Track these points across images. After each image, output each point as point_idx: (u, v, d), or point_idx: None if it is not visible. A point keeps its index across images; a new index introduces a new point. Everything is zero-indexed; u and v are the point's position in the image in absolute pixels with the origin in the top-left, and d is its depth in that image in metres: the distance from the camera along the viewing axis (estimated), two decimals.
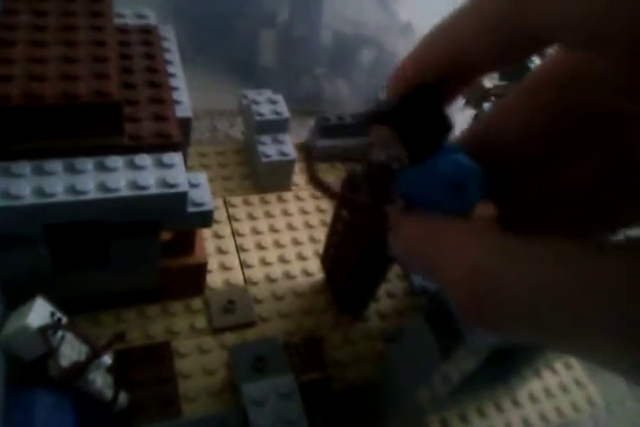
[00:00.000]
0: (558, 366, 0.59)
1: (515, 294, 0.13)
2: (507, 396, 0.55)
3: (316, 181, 0.21)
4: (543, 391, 0.57)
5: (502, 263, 0.14)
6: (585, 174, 0.16)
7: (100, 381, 0.41)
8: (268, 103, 0.63)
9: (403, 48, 0.93)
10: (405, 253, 0.16)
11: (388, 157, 0.17)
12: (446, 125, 0.16)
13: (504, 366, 0.50)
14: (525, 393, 0.56)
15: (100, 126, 0.40)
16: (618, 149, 0.16)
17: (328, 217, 0.63)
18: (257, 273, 0.57)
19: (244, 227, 0.61)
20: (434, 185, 0.16)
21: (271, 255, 0.59)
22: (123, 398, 0.43)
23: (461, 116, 0.68)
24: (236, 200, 0.64)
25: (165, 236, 0.47)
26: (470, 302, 0.14)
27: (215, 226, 0.59)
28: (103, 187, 0.39)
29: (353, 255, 0.49)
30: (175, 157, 0.42)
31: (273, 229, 0.62)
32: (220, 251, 0.59)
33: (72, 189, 0.38)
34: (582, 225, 0.17)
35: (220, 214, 0.61)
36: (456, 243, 0.15)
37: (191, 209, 0.44)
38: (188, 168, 0.48)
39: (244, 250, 0.59)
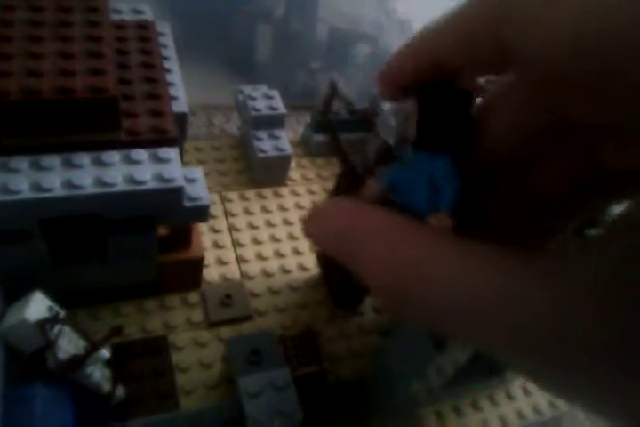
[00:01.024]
0: None
1: (432, 289, 0.14)
2: (501, 389, 0.55)
3: (333, 136, 0.21)
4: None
5: (427, 257, 0.14)
6: (558, 180, 0.17)
7: (98, 374, 0.41)
8: (264, 98, 0.63)
9: (398, 44, 0.93)
10: (326, 235, 0.16)
11: (396, 138, 0.17)
12: (466, 131, 0.17)
13: (498, 360, 0.51)
14: (519, 386, 0.56)
15: (96, 122, 0.40)
16: (588, 154, 0.16)
17: None
18: (253, 267, 0.58)
19: (241, 222, 0.62)
20: (416, 180, 0.16)
21: (267, 250, 0.60)
22: (120, 391, 0.43)
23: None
24: (233, 195, 0.64)
25: (162, 230, 0.48)
26: (386, 292, 0.14)
27: (211, 221, 0.59)
28: (100, 182, 0.39)
29: None
30: (171, 152, 0.42)
31: (269, 224, 0.62)
32: (217, 245, 0.59)
33: (69, 184, 0.38)
34: (547, 231, 0.17)
35: (217, 209, 0.62)
36: (380, 231, 0.15)
37: (187, 204, 0.44)
38: (185, 163, 0.48)
39: (241, 245, 0.60)
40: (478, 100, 0.17)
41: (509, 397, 0.56)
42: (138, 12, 0.54)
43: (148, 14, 0.54)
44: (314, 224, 0.17)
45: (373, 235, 0.15)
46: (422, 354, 0.40)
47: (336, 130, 0.20)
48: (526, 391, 0.56)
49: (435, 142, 0.16)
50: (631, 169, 0.15)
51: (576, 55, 0.13)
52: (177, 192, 0.41)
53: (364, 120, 0.63)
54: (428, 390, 0.46)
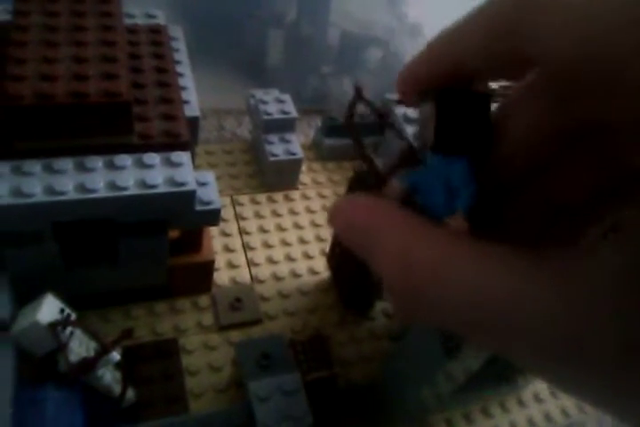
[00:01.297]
0: None
1: (447, 290, 0.14)
2: (512, 396, 0.55)
3: (350, 123, 0.21)
4: (548, 392, 0.57)
5: (443, 258, 0.14)
6: (576, 183, 0.17)
7: (109, 376, 0.41)
8: (276, 103, 0.63)
9: (409, 48, 0.93)
10: (346, 228, 0.17)
11: (418, 142, 0.18)
12: (484, 135, 0.17)
13: (509, 366, 0.50)
14: (530, 393, 0.56)
15: (109, 125, 0.40)
16: (609, 156, 0.16)
17: None
18: (263, 271, 0.58)
19: (251, 225, 0.62)
20: (434, 183, 0.17)
21: (278, 254, 0.60)
22: (130, 393, 0.43)
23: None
24: (243, 199, 0.64)
25: (173, 234, 0.48)
26: (400, 292, 0.15)
27: (222, 224, 0.59)
28: (112, 185, 0.39)
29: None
30: (184, 156, 0.42)
31: (280, 228, 0.62)
32: (227, 249, 0.59)
33: (82, 188, 0.39)
34: (571, 235, 0.17)
35: (228, 213, 0.62)
36: (396, 229, 0.15)
37: (199, 207, 0.44)
38: (196, 167, 0.48)
39: (251, 248, 0.60)
40: (495, 104, 0.17)
41: (521, 404, 0.55)
42: (150, 16, 0.55)
43: (161, 18, 0.55)
44: (336, 216, 0.17)
45: (389, 232, 0.15)
46: (433, 360, 0.40)
47: (359, 133, 0.20)
48: (538, 398, 0.56)
49: (452, 146, 0.16)
50: None
51: (582, 57, 0.13)
52: (189, 196, 0.41)
53: (383, 124, 0.63)
54: (437, 397, 0.46)
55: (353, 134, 0.21)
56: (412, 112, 0.60)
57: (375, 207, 0.16)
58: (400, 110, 0.61)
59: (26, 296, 0.41)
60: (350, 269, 0.52)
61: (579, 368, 0.12)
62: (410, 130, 0.57)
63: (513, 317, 0.13)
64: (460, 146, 0.16)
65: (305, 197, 0.66)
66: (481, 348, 0.37)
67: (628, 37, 0.12)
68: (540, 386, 0.56)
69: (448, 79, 0.17)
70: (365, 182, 0.42)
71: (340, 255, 0.54)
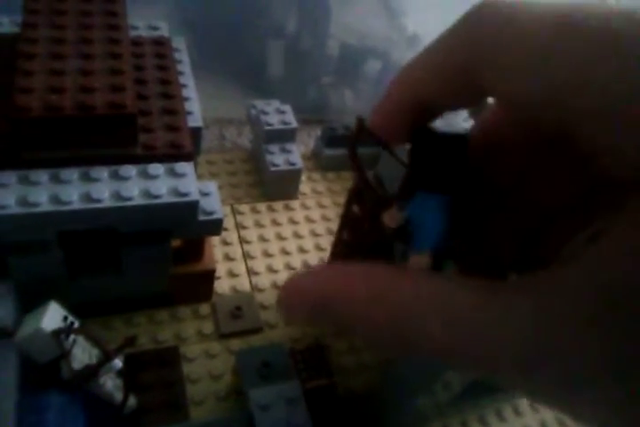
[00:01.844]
0: None
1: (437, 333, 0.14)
2: (508, 405, 0.55)
3: (353, 154, 0.22)
4: None
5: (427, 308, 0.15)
6: (556, 188, 0.18)
7: (111, 384, 0.42)
8: (277, 113, 0.64)
9: (408, 59, 0.94)
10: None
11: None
12: (459, 174, 0.17)
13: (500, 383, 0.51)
14: (527, 402, 0.56)
15: (114, 137, 0.41)
16: (576, 162, 0.17)
17: (334, 226, 0.64)
18: (263, 280, 0.58)
19: (252, 234, 0.62)
20: (421, 215, 0.17)
21: (278, 263, 0.60)
22: (132, 401, 0.44)
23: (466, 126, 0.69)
24: (244, 208, 0.65)
25: (175, 242, 0.48)
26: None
27: (223, 233, 0.59)
28: (117, 195, 0.40)
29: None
30: (187, 167, 0.43)
31: (279, 237, 0.63)
32: (228, 258, 0.60)
33: (87, 197, 0.39)
34: (554, 244, 0.18)
35: (228, 222, 0.63)
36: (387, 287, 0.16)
37: (202, 217, 0.45)
38: (198, 176, 0.49)
39: (251, 257, 0.60)
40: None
41: (517, 413, 0.56)
42: (154, 28, 0.56)
43: (164, 30, 0.56)
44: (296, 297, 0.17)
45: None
46: (431, 369, 0.41)
47: (362, 165, 0.21)
48: (534, 408, 0.56)
49: (428, 184, 0.17)
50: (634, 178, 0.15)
51: (540, 105, 0.14)
52: (192, 206, 0.42)
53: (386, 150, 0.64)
54: (435, 405, 0.46)
55: (356, 165, 0.22)
56: None
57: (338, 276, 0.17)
58: None
59: (30, 303, 0.42)
60: None
61: (562, 383, 0.13)
62: None
63: (494, 339, 0.13)
64: (435, 185, 0.17)
65: (305, 207, 0.67)
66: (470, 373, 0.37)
67: (581, 102, 0.13)
68: None
69: (415, 116, 0.18)
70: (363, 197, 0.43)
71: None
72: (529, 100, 0.14)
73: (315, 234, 0.64)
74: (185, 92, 0.50)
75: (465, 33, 0.15)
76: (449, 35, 0.16)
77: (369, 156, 0.68)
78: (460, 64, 0.15)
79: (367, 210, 0.43)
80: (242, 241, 0.62)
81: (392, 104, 0.18)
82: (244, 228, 0.63)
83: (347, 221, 0.51)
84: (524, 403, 0.56)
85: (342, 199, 0.61)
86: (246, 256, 0.60)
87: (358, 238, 0.49)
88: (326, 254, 0.60)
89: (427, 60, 0.17)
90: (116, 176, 0.41)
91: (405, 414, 0.47)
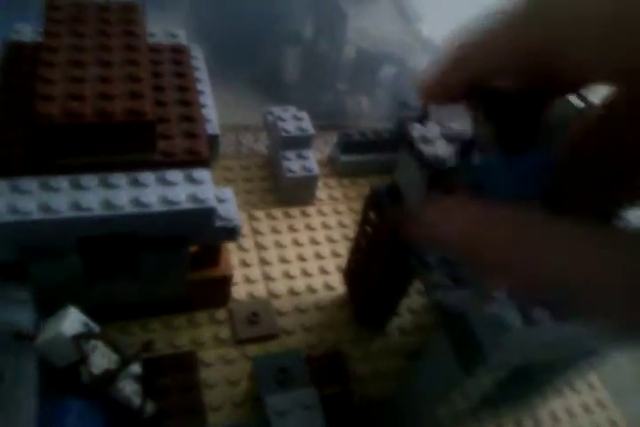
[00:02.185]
0: (581, 386, 0.59)
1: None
2: (528, 414, 0.55)
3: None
4: (565, 411, 0.56)
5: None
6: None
7: (129, 388, 0.42)
8: (294, 120, 0.64)
9: (424, 64, 0.95)
10: (461, 237, 0.17)
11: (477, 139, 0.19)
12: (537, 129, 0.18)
13: (525, 385, 0.50)
14: (547, 412, 0.56)
15: (133, 143, 0.41)
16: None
17: (350, 232, 0.64)
18: (280, 286, 0.58)
19: (268, 240, 0.63)
20: (503, 171, 0.18)
21: (294, 269, 0.60)
22: (150, 405, 0.44)
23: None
24: (260, 214, 0.65)
25: (192, 248, 0.49)
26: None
27: (239, 239, 0.60)
28: (136, 202, 0.40)
29: (375, 270, 0.49)
30: (205, 174, 0.43)
31: (296, 243, 0.63)
32: (244, 264, 0.60)
33: (107, 204, 0.40)
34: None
35: (244, 228, 0.63)
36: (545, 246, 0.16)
37: (218, 223, 0.45)
38: (214, 182, 0.49)
39: (267, 263, 0.60)
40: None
41: (536, 422, 0.55)
42: (172, 35, 0.56)
43: (182, 38, 0.56)
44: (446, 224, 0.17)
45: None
46: (449, 378, 0.40)
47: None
48: (554, 418, 0.56)
49: (511, 143, 0.18)
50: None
51: None
52: (209, 212, 0.42)
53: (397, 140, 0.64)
54: (453, 415, 0.46)
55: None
56: (427, 131, 0.60)
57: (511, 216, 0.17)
58: (417, 128, 0.61)
59: (49, 308, 0.42)
60: (366, 285, 0.52)
61: None
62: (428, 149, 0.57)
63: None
64: (518, 141, 0.18)
65: (321, 213, 0.67)
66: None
67: None
68: (556, 405, 0.56)
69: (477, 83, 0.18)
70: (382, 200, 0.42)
71: (356, 271, 0.55)
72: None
73: (331, 240, 0.64)
74: (202, 99, 0.50)
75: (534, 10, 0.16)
76: (516, 12, 0.16)
77: (386, 162, 0.68)
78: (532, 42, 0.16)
79: (387, 218, 0.43)
80: (258, 247, 0.62)
81: (456, 69, 0.18)
82: (260, 234, 0.63)
83: (364, 228, 0.51)
84: (543, 414, 0.55)
85: (358, 205, 0.61)
86: (262, 262, 0.60)
87: (375, 245, 0.49)
88: (343, 261, 0.59)
89: (495, 38, 0.17)
90: (135, 183, 0.42)
91: (423, 423, 0.47)
